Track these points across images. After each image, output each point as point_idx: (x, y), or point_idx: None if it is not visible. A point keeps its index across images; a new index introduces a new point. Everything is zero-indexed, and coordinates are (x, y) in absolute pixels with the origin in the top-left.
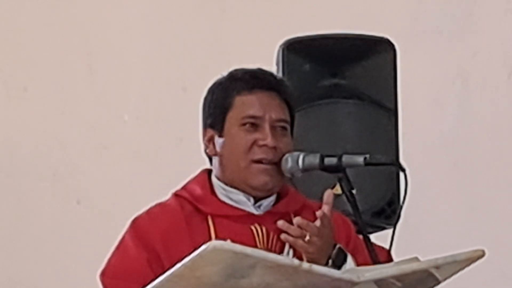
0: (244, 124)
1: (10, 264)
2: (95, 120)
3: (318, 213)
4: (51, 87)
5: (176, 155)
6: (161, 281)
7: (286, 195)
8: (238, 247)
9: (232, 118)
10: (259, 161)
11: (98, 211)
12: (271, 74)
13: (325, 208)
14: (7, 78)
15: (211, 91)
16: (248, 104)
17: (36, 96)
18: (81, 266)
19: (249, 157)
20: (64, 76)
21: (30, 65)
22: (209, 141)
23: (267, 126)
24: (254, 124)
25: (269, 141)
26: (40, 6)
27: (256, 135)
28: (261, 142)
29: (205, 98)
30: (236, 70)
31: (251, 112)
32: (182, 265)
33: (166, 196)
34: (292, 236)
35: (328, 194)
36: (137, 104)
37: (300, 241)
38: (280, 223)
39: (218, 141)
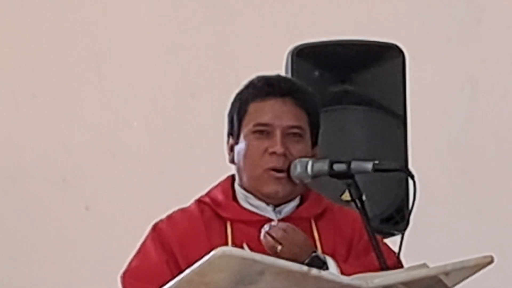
0: (256, 132)
1: (18, 269)
2: (104, 126)
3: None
4: (59, 93)
5: (184, 162)
6: (171, 287)
7: (306, 200)
8: (247, 253)
9: (246, 126)
10: (270, 170)
11: (107, 217)
12: (287, 80)
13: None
14: (16, 84)
15: (233, 100)
16: (259, 111)
17: (45, 103)
18: (89, 272)
19: (261, 165)
20: (73, 82)
21: (39, 72)
22: (230, 149)
23: (278, 133)
24: (265, 132)
25: (278, 148)
26: (48, 12)
27: (267, 143)
28: (270, 150)
29: (229, 108)
30: (255, 78)
31: (262, 119)
32: (191, 271)
33: (175, 202)
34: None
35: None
36: (146, 111)
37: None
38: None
39: (236, 148)
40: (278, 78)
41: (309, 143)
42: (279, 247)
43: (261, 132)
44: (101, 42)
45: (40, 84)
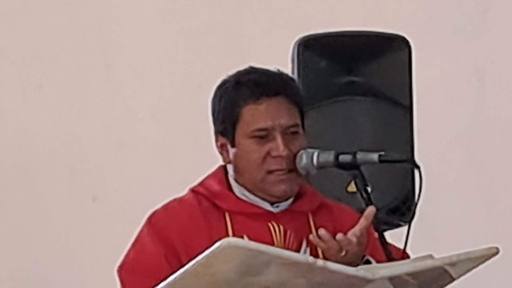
0: (255, 136)
1: (26, 261)
2: (111, 118)
3: (355, 232)
4: (66, 84)
5: (192, 152)
6: (175, 278)
7: (304, 194)
8: (253, 244)
9: (242, 130)
10: (275, 171)
11: (114, 208)
12: (276, 75)
13: (363, 223)
14: (23, 75)
15: (219, 97)
16: (256, 115)
17: (52, 94)
18: (96, 263)
19: (264, 168)
20: (80, 73)
21: (46, 63)
22: (222, 148)
23: (278, 135)
24: (265, 135)
25: (282, 150)
26: (55, 3)
27: (269, 145)
28: (274, 153)
29: (213, 102)
30: (241, 75)
31: (260, 125)
32: (196, 262)
33: (182, 193)
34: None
35: (369, 211)
36: (153, 101)
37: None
38: (316, 236)
39: (231, 150)
40: (268, 75)
41: (303, 133)
42: (343, 253)
43: (260, 136)
44: (109, 33)
45: (47, 75)
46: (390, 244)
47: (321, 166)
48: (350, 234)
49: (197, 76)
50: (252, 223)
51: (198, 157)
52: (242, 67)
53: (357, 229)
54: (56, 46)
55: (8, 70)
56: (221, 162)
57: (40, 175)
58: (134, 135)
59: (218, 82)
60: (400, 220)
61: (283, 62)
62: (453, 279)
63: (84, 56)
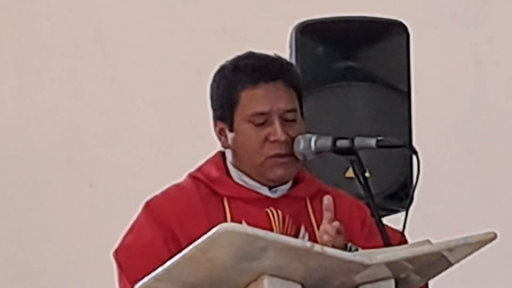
0: (253, 121)
1: (24, 247)
2: (109, 105)
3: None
4: (64, 71)
5: (189, 139)
6: (173, 263)
7: (302, 180)
8: (250, 230)
9: (240, 115)
10: (274, 156)
11: (111, 195)
12: (274, 60)
13: (326, 215)
14: (20, 61)
15: (217, 82)
16: (254, 100)
17: (49, 81)
18: (94, 249)
19: (262, 153)
20: (77, 60)
21: (43, 49)
22: (220, 133)
23: (276, 120)
24: (263, 120)
25: (280, 135)
26: None
27: (267, 130)
28: (272, 138)
29: (212, 87)
30: (240, 60)
31: (258, 109)
32: (194, 248)
33: (180, 180)
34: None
35: (326, 201)
36: (151, 89)
37: None
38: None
39: (229, 135)
40: (266, 60)
41: (301, 118)
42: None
43: (258, 121)
44: (106, 20)
45: (44, 61)
46: (388, 227)
47: (318, 151)
48: (322, 231)
49: (194, 63)
50: (251, 208)
51: (196, 144)
52: (240, 54)
53: (325, 223)
54: (53, 32)
55: (5, 57)
56: (218, 148)
57: (38, 162)
58: (131, 122)
59: (215, 68)
60: (398, 206)
61: (281, 48)
62: (450, 264)
63: (81, 43)
